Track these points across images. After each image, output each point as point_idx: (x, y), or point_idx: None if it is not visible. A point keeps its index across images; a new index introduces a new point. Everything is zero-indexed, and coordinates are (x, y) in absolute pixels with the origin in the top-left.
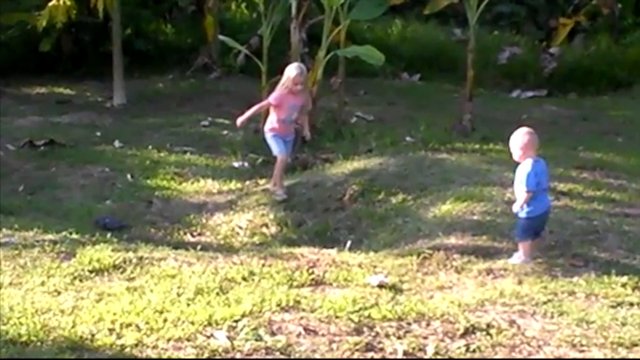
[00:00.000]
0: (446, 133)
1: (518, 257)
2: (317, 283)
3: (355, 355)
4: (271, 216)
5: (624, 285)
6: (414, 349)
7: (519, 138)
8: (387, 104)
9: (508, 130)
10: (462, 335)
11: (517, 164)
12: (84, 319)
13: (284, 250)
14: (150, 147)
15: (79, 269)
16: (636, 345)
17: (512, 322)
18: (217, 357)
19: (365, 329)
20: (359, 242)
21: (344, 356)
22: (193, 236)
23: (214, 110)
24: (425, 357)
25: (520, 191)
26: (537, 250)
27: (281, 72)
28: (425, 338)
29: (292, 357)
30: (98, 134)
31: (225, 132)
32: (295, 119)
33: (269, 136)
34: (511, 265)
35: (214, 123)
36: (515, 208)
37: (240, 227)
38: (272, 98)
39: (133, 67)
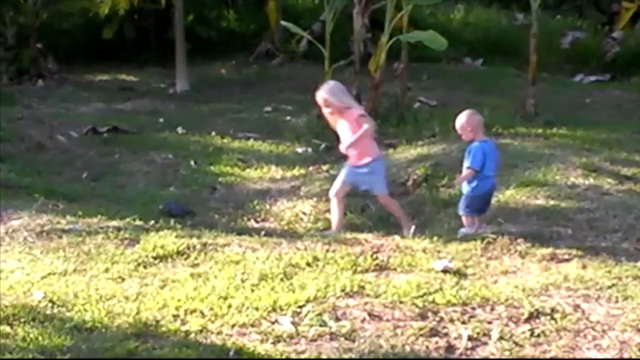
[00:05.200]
0: (509, 117)
1: (465, 230)
2: (381, 268)
3: (420, 341)
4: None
5: None
6: (478, 333)
7: (468, 119)
8: (450, 88)
9: (571, 114)
10: (527, 320)
11: (581, 148)
12: (148, 306)
13: (348, 235)
14: (213, 133)
15: (143, 255)
16: None
17: (576, 307)
18: (282, 342)
19: (429, 314)
20: (422, 227)
21: (409, 341)
22: (257, 222)
23: (276, 96)
24: (490, 341)
25: (465, 168)
26: (483, 223)
27: (344, 58)
28: (490, 323)
29: (356, 342)
30: (161, 120)
31: (288, 117)
32: None
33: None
34: (575, 249)
35: (277, 109)
36: (459, 185)
37: (304, 213)
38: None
39: (195, 54)
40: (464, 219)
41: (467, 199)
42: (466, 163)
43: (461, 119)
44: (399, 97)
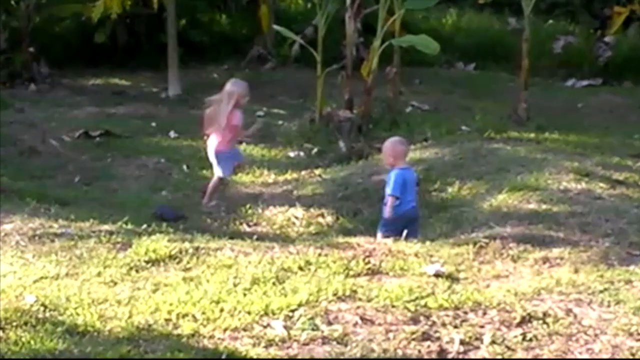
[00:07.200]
0: (502, 122)
1: None
2: (374, 272)
3: (412, 345)
4: (327, 206)
5: None
6: (470, 338)
7: (392, 147)
8: (442, 93)
9: (564, 119)
10: (519, 324)
11: (573, 153)
12: (141, 310)
13: (340, 239)
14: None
15: (135, 259)
16: None
17: (568, 311)
18: (274, 346)
19: (421, 318)
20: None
21: (401, 345)
22: (249, 226)
23: (269, 100)
24: (482, 346)
25: (387, 195)
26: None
27: (336, 62)
28: (482, 327)
29: (348, 346)
30: (153, 124)
31: (280, 122)
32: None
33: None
34: (567, 253)
35: (269, 113)
36: (386, 213)
37: (297, 217)
38: (237, 120)
39: (188, 58)
40: (378, 235)
41: (384, 220)
42: (387, 190)
43: (386, 145)
44: (391, 102)
